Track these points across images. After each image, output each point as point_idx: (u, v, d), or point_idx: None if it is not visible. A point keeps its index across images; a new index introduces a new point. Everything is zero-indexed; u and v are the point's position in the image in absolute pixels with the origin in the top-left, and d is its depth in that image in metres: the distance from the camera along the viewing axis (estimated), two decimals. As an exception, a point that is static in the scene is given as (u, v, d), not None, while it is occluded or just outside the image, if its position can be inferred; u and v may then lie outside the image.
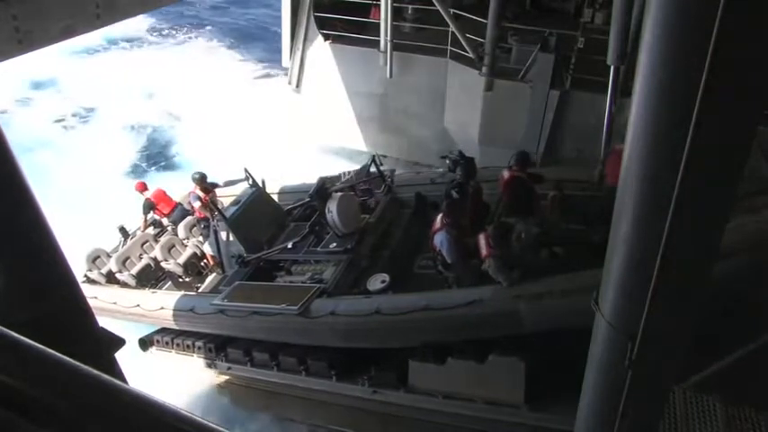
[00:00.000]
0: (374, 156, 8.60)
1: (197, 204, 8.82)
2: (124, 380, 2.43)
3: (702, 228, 2.40)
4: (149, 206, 9.23)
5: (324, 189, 7.70)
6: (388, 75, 10.98)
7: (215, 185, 9.10)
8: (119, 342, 2.85)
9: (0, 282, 2.35)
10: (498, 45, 9.38)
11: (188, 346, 7.81)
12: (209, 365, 7.67)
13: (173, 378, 7.82)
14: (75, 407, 0.89)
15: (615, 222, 2.59)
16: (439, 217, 6.21)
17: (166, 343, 8.05)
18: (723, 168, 2.24)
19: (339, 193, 7.47)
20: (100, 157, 14.30)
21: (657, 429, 3.71)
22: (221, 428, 0.92)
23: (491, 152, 9.54)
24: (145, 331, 8.35)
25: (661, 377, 3.05)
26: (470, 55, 9.81)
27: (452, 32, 9.86)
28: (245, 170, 8.62)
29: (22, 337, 0.94)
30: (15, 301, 2.38)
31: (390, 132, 11.84)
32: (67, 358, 0.93)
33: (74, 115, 16.58)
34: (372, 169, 8.51)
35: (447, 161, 7.75)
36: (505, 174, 6.84)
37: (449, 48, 10.14)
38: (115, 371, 2.81)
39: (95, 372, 0.93)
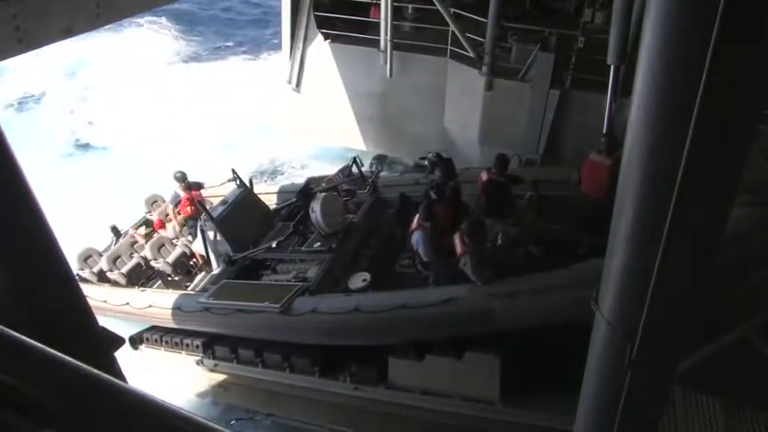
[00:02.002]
0: (355, 157, 8.76)
1: (174, 204, 9.05)
2: (124, 379, 2.44)
3: (702, 228, 2.40)
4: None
5: (308, 189, 7.78)
6: (388, 74, 10.96)
7: (199, 185, 9.22)
8: (119, 341, 2.86)
9: (0, 282, 2.35)
10: (498, 44, 9.37)
11: (176, 344, 7.87)
12: (198, 363, 7.73)
13: (163, 375, 7.88)
14: (75, 407, 0.89)
15: (615, 222, 2.59)
16: (416, 217, 6.33)
17: (156, 341, 8.11)
18: (723, 168, 2.24)
19: (323, 194, 7.55)
20: (54, 144, 14.53)
21: (657, 429, 3.71)
22: (221, 428, 0.92)
23: (491, 152, 9.51)
24: (135, 329, 8.38)
25: (661, 377, 3.04)
26: (470, 54, 9.80)
27: (452, 32, 9.84)
28: (233, 170, 8.77)
29: (22, 337, 0.94)
30: (15, 301, 2.38)
31: (390, 132, 11.82)
32: (67, 358, 0.93)
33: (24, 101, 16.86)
34: (354, 170, 8.62)
35: (426, 162, 7.80)
36: (483, 176, 6.96)
37: (449, 47, 10.12)
38: (115, 370, 2.82)
39: (95, 371, 0.93)
